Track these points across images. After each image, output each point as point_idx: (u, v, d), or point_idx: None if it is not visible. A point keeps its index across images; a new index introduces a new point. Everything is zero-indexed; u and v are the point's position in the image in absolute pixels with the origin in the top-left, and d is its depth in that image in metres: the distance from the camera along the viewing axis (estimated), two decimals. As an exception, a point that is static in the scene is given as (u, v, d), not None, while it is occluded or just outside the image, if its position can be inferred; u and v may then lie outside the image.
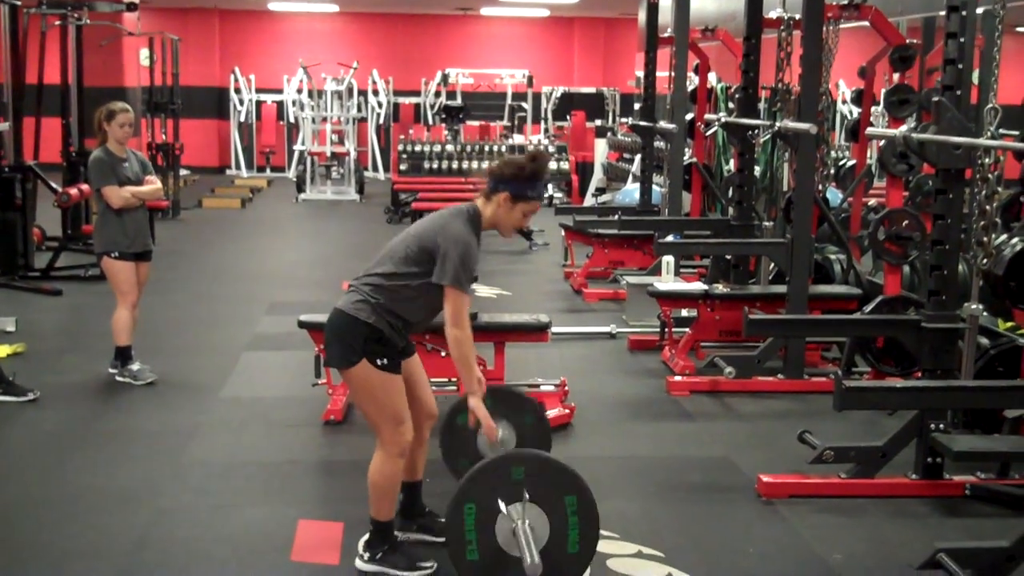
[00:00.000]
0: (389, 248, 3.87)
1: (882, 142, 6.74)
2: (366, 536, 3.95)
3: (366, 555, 3.90)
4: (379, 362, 3.73)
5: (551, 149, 16.66)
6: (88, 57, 11.43)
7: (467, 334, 3.71)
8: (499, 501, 3.28)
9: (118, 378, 6.27)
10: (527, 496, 3.30)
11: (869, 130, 6.04)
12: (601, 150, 16.27)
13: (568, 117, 18.90)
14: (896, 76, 7.60)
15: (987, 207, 4.72)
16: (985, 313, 5.46)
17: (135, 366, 6.27)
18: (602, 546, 4.13)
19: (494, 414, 3.86)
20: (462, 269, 3.65)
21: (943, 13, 4.85)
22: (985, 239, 4.76)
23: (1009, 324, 5.88)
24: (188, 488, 4.75)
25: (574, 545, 3.32)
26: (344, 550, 4.10)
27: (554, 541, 3.31)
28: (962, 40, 4.72)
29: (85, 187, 9.15)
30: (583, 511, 3.32)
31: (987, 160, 4.69)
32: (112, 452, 5.19)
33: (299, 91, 18.68)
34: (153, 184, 6.36)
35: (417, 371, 4.03)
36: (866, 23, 7.57)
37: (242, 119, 19.89)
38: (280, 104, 20.06)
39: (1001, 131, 6.37)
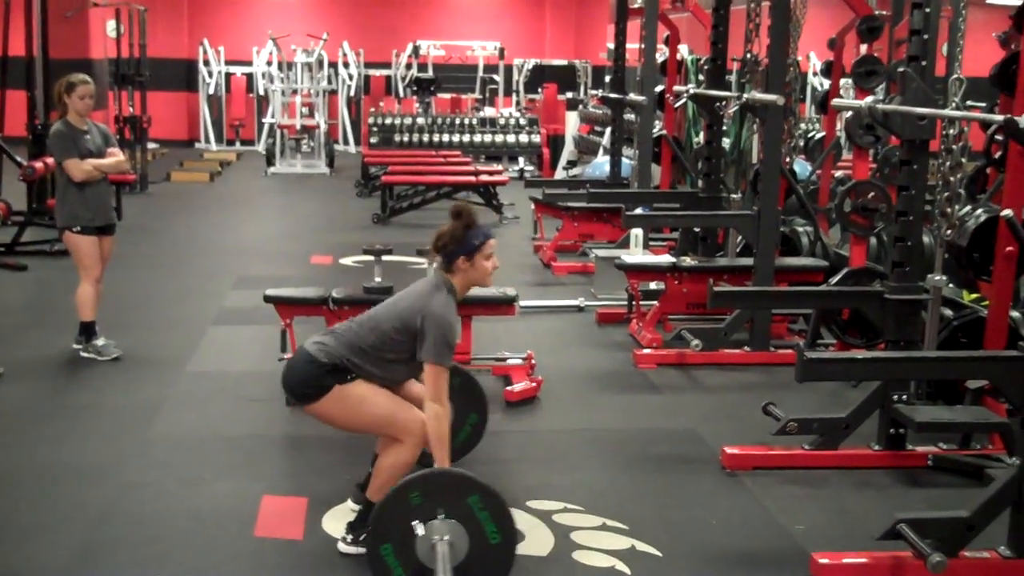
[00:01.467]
0: (374, 318, 3.85)
1: (849, 114, 6.75)
2: (351, 519, 3.93)
3: (349, 537, 3.88)
4: (349, 377, 3.74)
5: (523, 122, 16.61)
6: (53, 28, 11.24)
7: (447, 410, 3.74)
8: (412, 528, 3.39)
9: (82, 353, 6.22)
10: (433, 514, 3.40)
11: (835, 101, 6.07)
12: (572, 123, 16.24)
13: (540, 89, 18.81)
14: (864, 47, 7.61)
15: (951, 178, 4.73)
16: (950, 285, 5.50)
17: (100, 341, 6.22)
18: (567, 519, 4.17)
19: None
20: (444, 346, 3.69)
21: (910, -16, 4.84)
22: (949, 210, 4.77)
23: (973, 296, 5.91)
24: (153, 463, 4.73)
25: (494, 536, 3.44)
26: (308, 525, 4.10)
27: (475, 541, 3.43)
28: (928, 11, 4.70)
29: (50, 160, 9.03)
30: (489, 504, 3.43)
31: (951, 131, 4.69)
32: (77, 427, 5.15)
33: (269, 63, 18.49)
34: (116, 156, 6.29)
35: None
36: (835, -6, 7.56)
37: (211, 91, 19.68)
38: (250, 76, 19.86)
39: (968, 103, 6.41)
